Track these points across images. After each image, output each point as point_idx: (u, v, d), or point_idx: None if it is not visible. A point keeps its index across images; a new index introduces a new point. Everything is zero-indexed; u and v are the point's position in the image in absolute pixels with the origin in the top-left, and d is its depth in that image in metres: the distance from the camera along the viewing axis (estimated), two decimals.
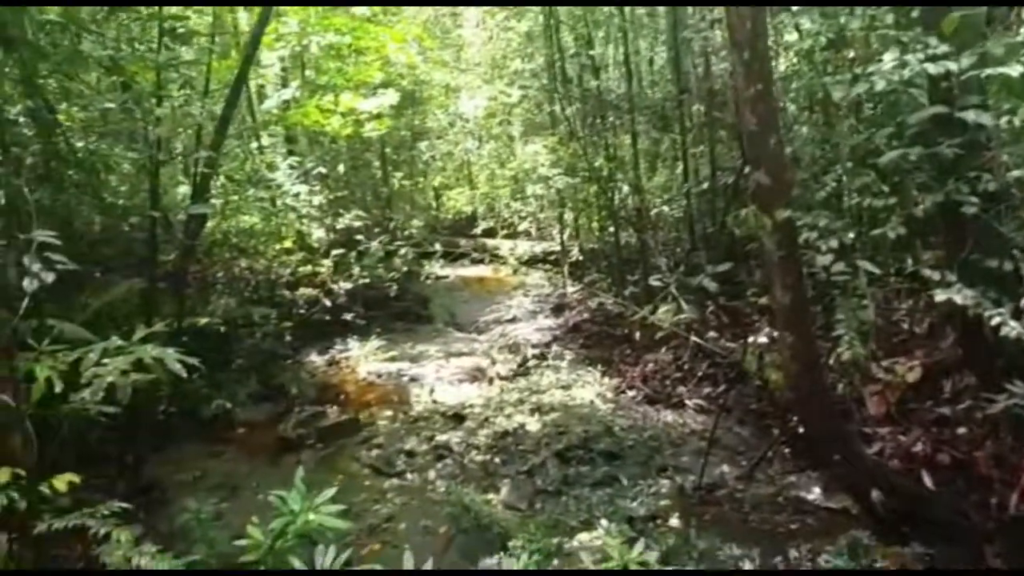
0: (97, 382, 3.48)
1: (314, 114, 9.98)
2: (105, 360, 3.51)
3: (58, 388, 3.51)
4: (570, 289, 11.62)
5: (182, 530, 4.88)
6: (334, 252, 10.80)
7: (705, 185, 9.55)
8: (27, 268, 3.21)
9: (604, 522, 4.85)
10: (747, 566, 4.44)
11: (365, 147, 14.01)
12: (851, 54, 6.16)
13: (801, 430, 5.49)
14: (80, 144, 7.50)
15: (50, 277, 3.26)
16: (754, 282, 8.28)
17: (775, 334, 5.82)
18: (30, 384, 3.45)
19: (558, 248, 13.30)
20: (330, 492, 3.76)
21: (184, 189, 8.71)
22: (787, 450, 5.91)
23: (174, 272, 7.64)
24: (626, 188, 10.46)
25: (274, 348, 8.95)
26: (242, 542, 3.73)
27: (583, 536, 4.86)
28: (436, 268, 12.12)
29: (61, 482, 3.06)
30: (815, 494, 5.32)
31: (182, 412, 7.20)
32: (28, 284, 3.17)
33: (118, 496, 3.98)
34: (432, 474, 6.15)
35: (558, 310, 11.01)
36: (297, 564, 3.57)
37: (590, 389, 7.74)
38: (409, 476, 6.15)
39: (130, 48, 7.13)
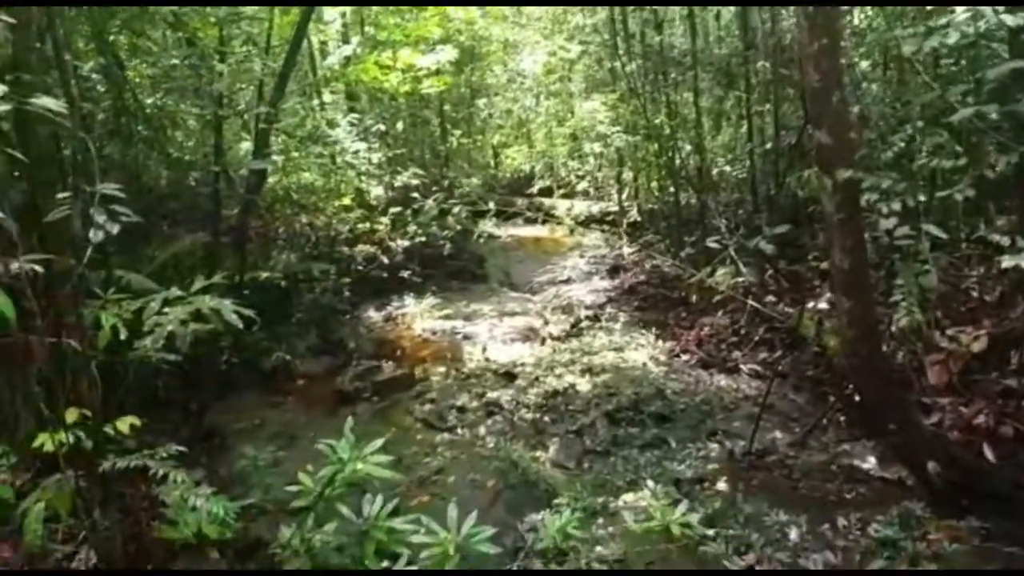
0: (158, 330, 3.61)
1: (373, 70, 10.02)
2: (165, 309, 3.65)
3: (123, 335, 3.68)
4: (627, 250, 11.50)
5: (240, 475, 5.10)
6: (392, 210, 10.92)
7: (769, 145, 9.26)
8: (93, 219, 3.33)
9: (650, 483, 4.85)
10: (793, 532, 4.39)
11: (424, 104, 14.02)
12: (929, 6, 5.82)
13: (857, 398, 5.35)
14: (148, 100, 7.72)
15: (115, 228, 3.38)
16: (817, 245, 8.03)
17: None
18: (97, 331, 3.61)
19: (616, 208, 13.14)
20: (378, 443, 3.85)
21: (247, 145, 8.90)
22: (842, 418, 5.77)
23: (237, 227, 7.86)
24: (687, 147, 10.22)
25: (333, 303, 9.15)
26: (294, 488, 3.88)
27: (628, 496, 4.87)
28: (491, 227, 12.11)
29: (124, 424, 3.22)
30: (869, 463, 5.20)
31: (244, 363, 7.44)
32: (93, 235, 3.29)
33: (181, 441, 4.17)
34: (482, 430, 6.24)
35: (614, 271, 10.92)
36: (345, 511, 3.70)
37: (643, 352, 7.69)
38: (460, 431, 6.25)
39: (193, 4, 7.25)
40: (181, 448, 3.57)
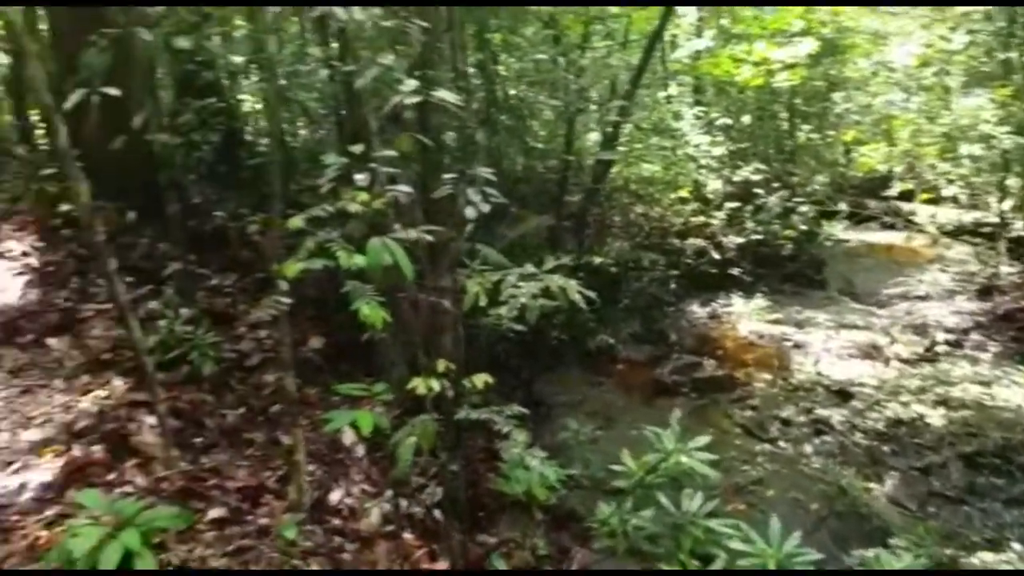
0: (512, 302, 3.96)
1: (726, 64, 9.82)
2: (520, 283, 3.97)
3: (482, 302, 4.09)
4: (1005, 269, 9.81)
5: (561, 446, 5.39)
6: (728, 204, 10.62)
7: None
8: (470, 199, 3.75)
9: (1017, 545, 4.13)
10: None
11: (773, 98, 13.35)
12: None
13: None
14: (512, 92, 8.45)
15: (486, 208, 3.78)
16: None
17: None
18: (463, 296, 4.07)
19: (994, 220, 11.27)
20: (703, 440, 3.80)
21: (594, 136, 9.30)
22: None
23: (577, 213, 8.29)
24: None
25: (658, 293, 9.21)
26: (617, 467, 4.00)
27: (986, 555, 4.21)
28: (838, 230, 11.15)
29: (479, 380, 3.58)
30: None
31: (571, 340, 7.85)
32: (470, 212, 3.70)
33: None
34: (808, 448, 5.83)
35: (985, 293, 9.40)
36: (663, 501, 3.71)
37: (1017, 391, 6.53)
38: (782, 444, 5.92)
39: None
40: (523, 410, 3.88)
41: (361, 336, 5.55)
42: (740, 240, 10.32)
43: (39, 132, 6.64)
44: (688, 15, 11.92)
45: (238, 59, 5.84)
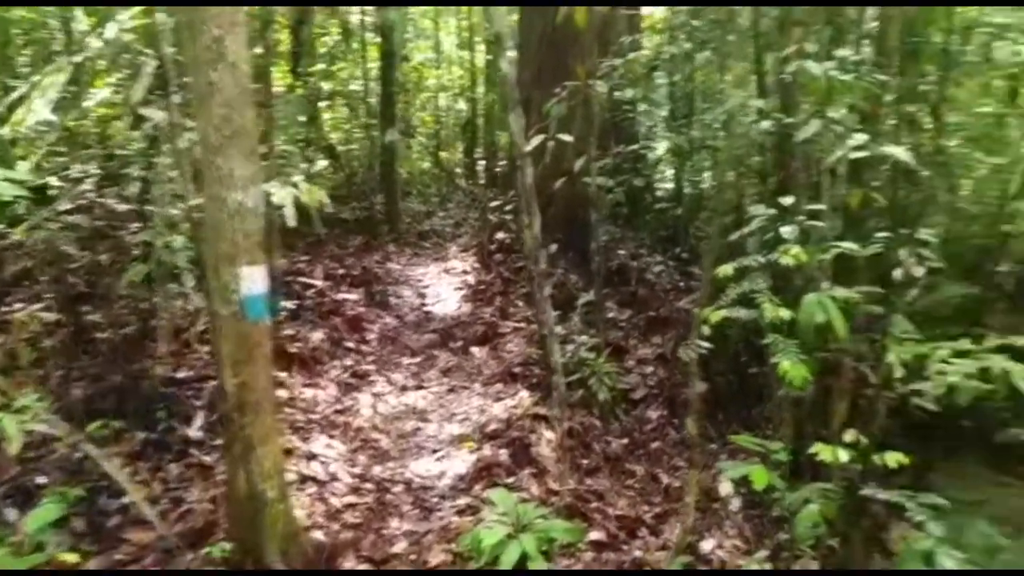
0: (938, 379, 3.54)
1: None
2: (953, 360, 3.55)
3: (897, 374, 3.72)
4: None
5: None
6: None
7: None
8: (903, 260, 3.50)
9: None
10: None
11: None
12: None
13: None
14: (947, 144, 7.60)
15: (920, 271, 3.48)
16: None
17: None
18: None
19: None
20: None
21: None
22: None
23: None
24: None
25: None
26: None
27: None
28: None
29: (892, 459, 3.23)
30: None
31: (975, 429, 6.78)
32: (900, 275, 3.44)
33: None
34: None
35: None
36: None
37: None
38: None
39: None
40: (942, 501, 3.42)
41: (741, 385, 5.48)
42: None
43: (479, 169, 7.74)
44: None
45: (662, 112, 6.19)
